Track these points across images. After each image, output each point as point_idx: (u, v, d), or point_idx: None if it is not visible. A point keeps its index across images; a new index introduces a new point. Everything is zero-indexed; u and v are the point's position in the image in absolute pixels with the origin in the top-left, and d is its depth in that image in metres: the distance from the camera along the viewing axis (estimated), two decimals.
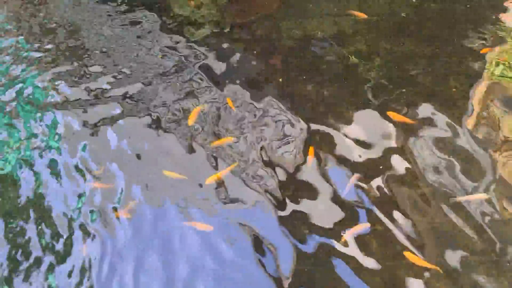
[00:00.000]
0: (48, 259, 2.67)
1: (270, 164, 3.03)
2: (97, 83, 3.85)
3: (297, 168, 2.99)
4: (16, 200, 2.99)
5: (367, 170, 2.94)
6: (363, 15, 3.90)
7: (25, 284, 2.57)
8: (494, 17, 3.99)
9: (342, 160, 3.01)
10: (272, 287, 2.45)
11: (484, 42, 3.74)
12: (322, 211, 2.74)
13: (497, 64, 3.44)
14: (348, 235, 2.60)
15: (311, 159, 3.01)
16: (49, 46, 4.33)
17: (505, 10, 4.06)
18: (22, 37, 4.49)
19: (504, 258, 2.47)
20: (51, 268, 2.63)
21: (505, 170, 2.86)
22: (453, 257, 2.50)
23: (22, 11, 4.89)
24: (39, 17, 4.77)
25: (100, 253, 2.66)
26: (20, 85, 3.89)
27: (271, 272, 2.50)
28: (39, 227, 2.81)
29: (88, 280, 2.56)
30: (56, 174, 3.13)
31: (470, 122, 3.17)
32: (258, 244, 2.62)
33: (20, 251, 2.72)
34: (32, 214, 2.89)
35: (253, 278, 2.50)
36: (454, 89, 3.41)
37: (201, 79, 3.73)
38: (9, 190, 3.06)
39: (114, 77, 3.89)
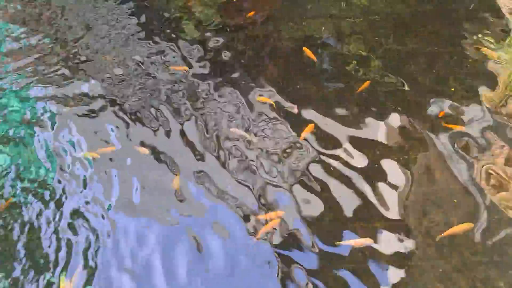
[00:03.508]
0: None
1: (270, 164, 3.05)
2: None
3: (297, 168, 3.01)
4: None
5: (367, 169, 2.96)
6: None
7: None
8: (494, 17, 4.00)
9: (342, 160, 3.03)
10: None
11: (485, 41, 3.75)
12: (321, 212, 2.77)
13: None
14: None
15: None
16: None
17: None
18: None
19: (504, 258, 2.49)
20: None
21: (505, 170, 2.88)
22: (453, 257, 2.52)
23: None
24: None
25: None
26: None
27: None
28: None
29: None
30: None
31: (470, 121, 3.19)
32: None
33: None
34: None
35: None
36: (453, 89, 3.42)
37: (200, 79, 3.73)
38: None
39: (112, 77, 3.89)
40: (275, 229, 2.66)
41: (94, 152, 3.16)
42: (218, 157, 3.11)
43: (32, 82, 3.85)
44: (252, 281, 2.50)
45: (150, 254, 2.63)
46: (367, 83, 3.44)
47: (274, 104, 3.40)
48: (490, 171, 2.88)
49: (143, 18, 4.53)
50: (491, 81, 3.44)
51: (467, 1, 4.21)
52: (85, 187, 3.01)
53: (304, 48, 3.82)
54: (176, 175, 3.00)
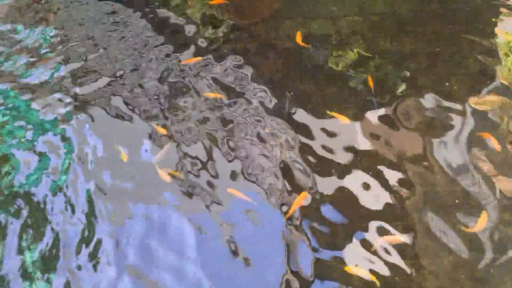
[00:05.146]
0: None
1: (270, 165, 3.06)
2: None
3: (296, 168, 3.02)
4: None
5: (367, 170, 2.96)
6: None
7: None
8: (494, 16, 3.99)
9: (341, 160, 3.04)
10: None
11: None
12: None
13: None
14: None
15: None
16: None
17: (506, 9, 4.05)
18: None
19: (505, 258, 2.49)
20: None
21: (505, 170, 2.88)
22: (453, 257, 2.53)
23: None
24: None
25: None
26: None
27: None
28: None
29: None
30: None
31: (471, 121, 3.19)
32: None
33: None
34: None
35: None
36: (455, 87, 3.42)
37: (200, 80, 3.74)
38: None
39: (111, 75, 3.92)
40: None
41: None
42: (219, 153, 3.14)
43: None
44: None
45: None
46: (370, 80, 3.47)
47: (221, 96, 3.51)
48: (490, 171, 2.89)
49: (140, 16, 4.54)
50: (492, 80, 3.45)
51: (467, 1, 4.21)
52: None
53: (299, 33, 3.91)
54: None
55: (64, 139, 3.43)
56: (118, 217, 2.89)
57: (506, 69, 3.45)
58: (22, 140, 3.45)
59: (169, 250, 2.69)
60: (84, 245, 2.76)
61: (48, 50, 4.26)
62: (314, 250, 2.61)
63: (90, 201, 2.98)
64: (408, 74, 3.51)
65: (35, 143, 3.43)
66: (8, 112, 3.69)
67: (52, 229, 2.86)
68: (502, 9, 4.02)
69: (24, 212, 2.97)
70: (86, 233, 2.83)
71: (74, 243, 2.78)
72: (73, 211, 2.94)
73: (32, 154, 3.34)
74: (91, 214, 2.91)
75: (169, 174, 3.04)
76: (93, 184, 3.07)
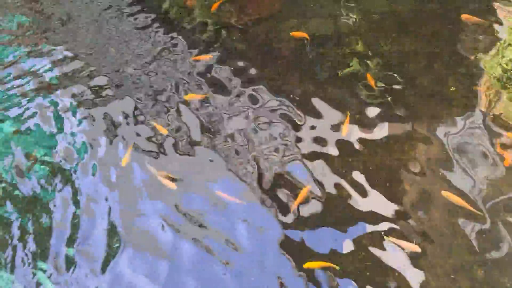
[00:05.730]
0: None
1: (269, 166, 3.06)
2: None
3: (295, 168, 3.03)
4: None
5: (367, 170, 2.97)
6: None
7: None
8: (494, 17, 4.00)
9: (342, 160, 3.04)
10: None
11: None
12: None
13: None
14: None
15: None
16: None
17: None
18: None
19: (505, 258, 2.50)
20: None
21: (505, 170, 2.89)
22: (453, 257, 2.53)
23: None
24: None
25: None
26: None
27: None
28: None
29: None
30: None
31: (470, 120, 3.20)
32: None
33: None
34: None
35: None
36: (453, 88, 3.43)
37: (200, 80, 3.74)
38: None
39: (110, 77, 3.92)
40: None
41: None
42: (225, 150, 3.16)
43: None
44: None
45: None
46: (369, 77, 3.48)
47: (204, 96, 3.55)
48: (490, 170, 2.90)
49: (140, 16, 4.55)
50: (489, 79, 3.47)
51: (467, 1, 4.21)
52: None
53: (301, 33, 3.96)
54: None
55: (68, 138, 3.46)
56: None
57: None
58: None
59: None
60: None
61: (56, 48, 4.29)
62: (314, 245, 2.63)
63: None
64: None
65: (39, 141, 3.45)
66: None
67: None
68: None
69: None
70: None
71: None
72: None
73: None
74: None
75: (167, 177, 3.04)
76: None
